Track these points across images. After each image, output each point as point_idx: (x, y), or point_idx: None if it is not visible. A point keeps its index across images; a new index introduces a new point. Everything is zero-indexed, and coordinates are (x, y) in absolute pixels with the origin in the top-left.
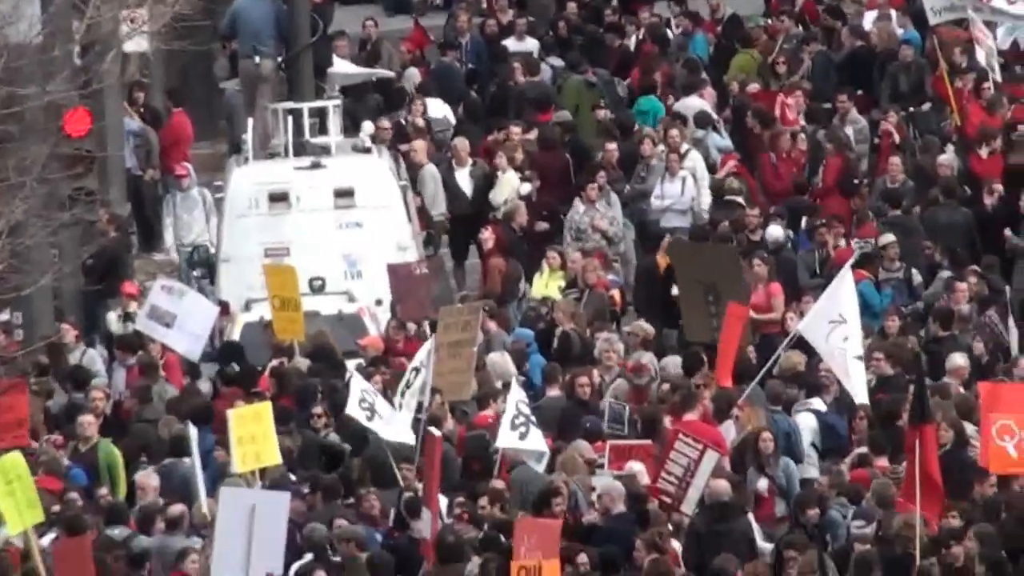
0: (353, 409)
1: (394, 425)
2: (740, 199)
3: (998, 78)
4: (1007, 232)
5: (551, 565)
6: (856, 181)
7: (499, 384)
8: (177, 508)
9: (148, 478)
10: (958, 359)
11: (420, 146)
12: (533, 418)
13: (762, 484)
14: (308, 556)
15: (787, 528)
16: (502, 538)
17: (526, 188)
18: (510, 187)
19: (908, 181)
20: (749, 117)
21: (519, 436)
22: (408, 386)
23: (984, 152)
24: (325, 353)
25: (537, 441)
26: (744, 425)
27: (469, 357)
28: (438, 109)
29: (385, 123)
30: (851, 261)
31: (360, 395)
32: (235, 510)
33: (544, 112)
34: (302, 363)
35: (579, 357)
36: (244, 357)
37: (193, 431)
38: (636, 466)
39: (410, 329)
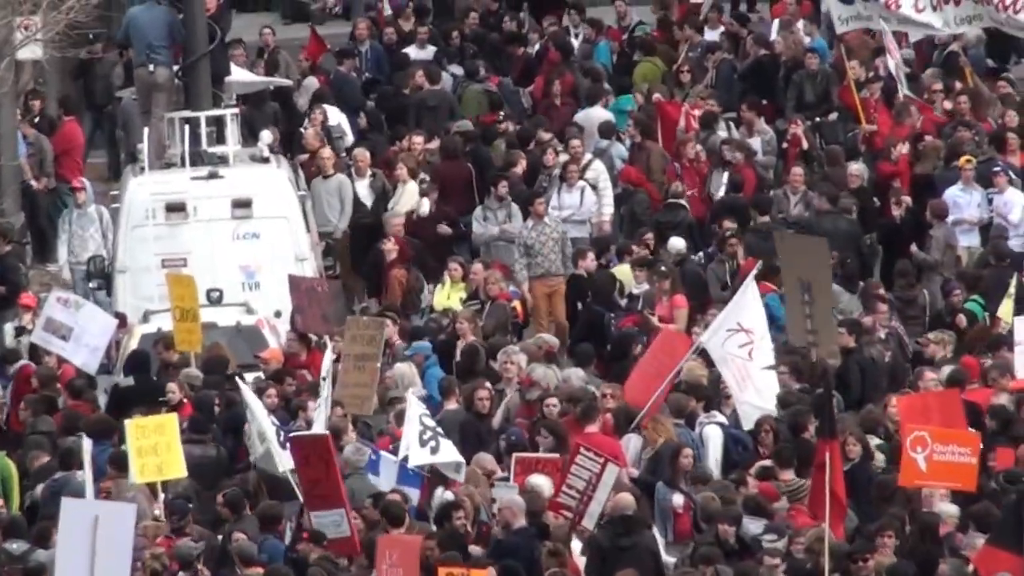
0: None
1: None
2: (683, 201)
3: (907, 91)
4: (913, 248)
5: (481, 573)
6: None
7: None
8: None
9: None
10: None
11: (328, 154)
12: (439, 429)
13: (678, 500)
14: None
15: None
16: None
17: (425, 206)
18: (411, 198)
19: (809, 192)
20: (630, 126)
21: (431, 451)
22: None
23: (891, 162)
24: (220, 366)
25: (450, 452)
26: (654, 438)
27: (373, 372)
28: (333, 118)
29: (275, 134)
30: (754, 272)
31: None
32: (76, 522)
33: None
34: (195, 374)
35: (484, 370)
36: (149, 368)
37: (87, 444)
38: (537, 480)
39: (311, 339)
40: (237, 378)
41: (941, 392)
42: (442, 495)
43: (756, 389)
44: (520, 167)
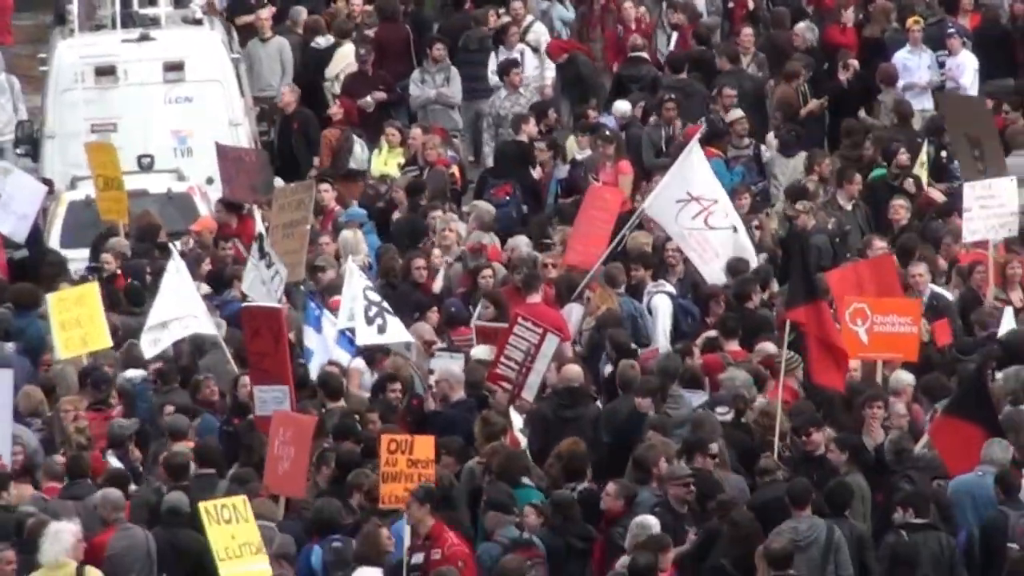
0: None
1: None
2: (645, 54)
3: None
4: (860, 114)
5: (424, 441)
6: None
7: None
8: None
9: None
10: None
11: (266, 15)
12: (385, 304)
13: (607, 371)
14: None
15: None
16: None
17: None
18: (344, 60)
19: (759, 54)
20: None
21: (378, 330)
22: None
23: (840, 24)
24: (151, 233)
25: (398, 331)
26: (596, 307)
27: (302, 236)
28: None
29: None
30: (697, 136)
31: None
32: None
33: None
34: (123, 243)
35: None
36: (42, 239)
37: None
38: (480, 351)
39: (242, 207)
40: (170, 245)
41: (872, 260)
42: (353, 363)
43: (719, 256)
44: (486, 27)
